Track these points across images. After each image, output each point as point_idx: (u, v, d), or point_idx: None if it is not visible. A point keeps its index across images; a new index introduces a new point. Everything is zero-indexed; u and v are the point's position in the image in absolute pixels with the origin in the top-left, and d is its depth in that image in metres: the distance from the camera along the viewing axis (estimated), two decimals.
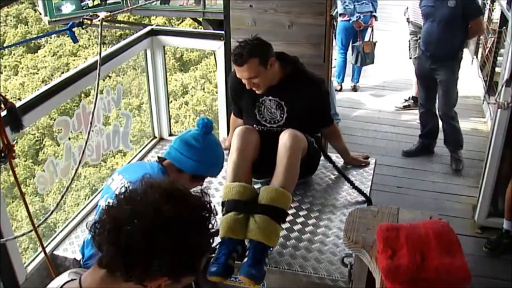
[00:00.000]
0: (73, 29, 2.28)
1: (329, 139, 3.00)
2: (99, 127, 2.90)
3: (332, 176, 2.97)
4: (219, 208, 2.47)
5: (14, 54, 15.31)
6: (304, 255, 2.37)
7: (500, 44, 5.06)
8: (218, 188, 2.82)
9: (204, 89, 12.83)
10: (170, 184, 1.12)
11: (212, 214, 1.11)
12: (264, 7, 3.16)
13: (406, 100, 5.42)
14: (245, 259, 2.22)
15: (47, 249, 2.50)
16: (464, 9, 3.89)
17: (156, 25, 3.75)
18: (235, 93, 2.81)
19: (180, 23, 14.60)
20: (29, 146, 12.01)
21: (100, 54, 2.29)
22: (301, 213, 2.66)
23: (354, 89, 5.96)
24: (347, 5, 5.42)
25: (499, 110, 3.25)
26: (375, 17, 5.61)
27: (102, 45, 2.32)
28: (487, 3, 6.08)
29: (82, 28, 2.40)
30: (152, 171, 2.04)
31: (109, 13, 2.42)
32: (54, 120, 2.92)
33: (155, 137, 3.56)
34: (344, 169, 2.96)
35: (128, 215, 1.05)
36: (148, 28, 3.34)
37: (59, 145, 10.68)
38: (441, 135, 4.47)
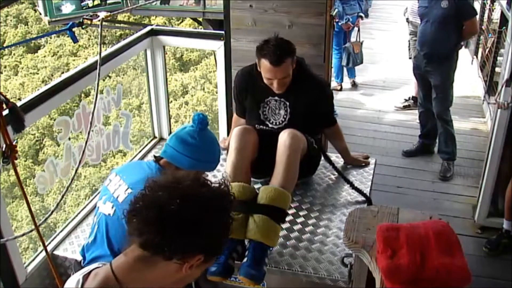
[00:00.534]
0: (73, 29, 2.28)
1: (331, 139, 3.01)
2: (99, 127, 2.90)
3: (332, 176, 2.97)
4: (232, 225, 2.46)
5: (14, 54, 15.30)
6: (304, 255, 2.37)
7: (500, 44, 5.06)
8: None
9: (204, 89, 12.83)
10: (195, 174, 1.23)
11: (232, 198, 1.25)
12: (264, 7, 3.16)
13: (406, 100, 5.43)
14: (245, 259, 2.22)
15: (47, 249, 2.51)
16: (457, 10, 3.91)
17: (156, 25, 3.75)
18: (240, 93, 2.81)
19: (180, 23, 14.60)
20: (29, 146, 12.01)
21: (100, 54, 2.29)
22: (301, 213, 2.66)
23: (354, 84, 5.99)
24: (336, 8, 5.42)
25: (499, 110, 3.26)
26: (362, 17, 5.68)
27: (102, 45, 2.32)
28: (487, 3, 6.08)
29: (82, 28, 2.40)
30: (150, 170, 2.03)
31: (109, 13, 2.42)
32: (54, 120, 2.92)
33: (155, 137, 3.56)
34: (344, 169, 2.96)
35: (168, 198, 1.14)
36: (148, 28, 3.34)
37: (59, 145, 10.68)
38: None
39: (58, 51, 15.29)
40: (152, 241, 1.14)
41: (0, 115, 1.55)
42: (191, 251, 1.17)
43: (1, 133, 1.53)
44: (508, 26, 3.67)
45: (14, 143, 1.61)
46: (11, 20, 16.08)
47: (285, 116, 2.70)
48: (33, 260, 2.44)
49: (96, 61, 2.37)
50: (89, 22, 2.35)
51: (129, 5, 7.89)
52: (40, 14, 8.84)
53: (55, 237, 2.58)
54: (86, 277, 1.21)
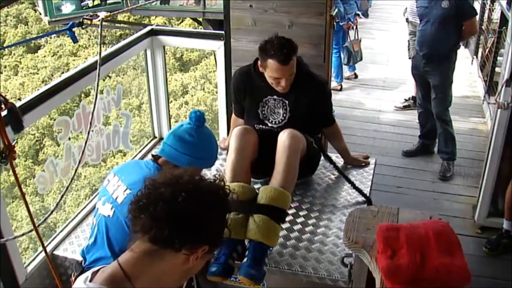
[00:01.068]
0: (73, 29, 2.28)
1: (330, 139, 3.01)
2: (99, 127, 2.91)
3: (332, 176, 2.97)
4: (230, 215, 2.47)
5: (14, 54, 15.30)
6: (304, 255, 2.37)
7: (500, 44, 5.06)
8: None
9: (204, 89, 12.83)
10: (192, 171, 1.29)
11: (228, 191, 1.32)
12: (264, 7, 3.16)
13: (406, 100, 5.43)
14: (245, 259, 2.22)
15: (47, 249, 2.51)
16: (457, 10, 3.91)
17: (156, 25, 3.75)
18: (239, 93, 2.81)
19: (180, 23, 14.60)
20: (29, 146, 12.00)
21: (100, 54, 2.29)
22: (301, 213, 2.66)
23: (356, 77, 6.07)
24: (338, 9, 5.50)
25: (499, 110, 3.25)
26: (359, 15, 5.82)
27: (102, 45, 2.32)
28: (487, 3, 6.08)
29: (82, 28, 2.40)
30: (148, 170, 2.03)
31: (109, 13, 2.42)
32: (54, 120, 2.92)
33: (155, 137, 3.56)
34: (344, 169, 2.96)
35: (172, 193, 1.20)
36: (148, 28, 3.34)
37: (59, 145, 10.68)
38: None
39: (58, 51, 15.29)
40: (162, 235, 1.18)
41: None
42: (199, 242, 1.23)
43: (0, 133, 1.53)
44: (508, 26, 3.67)
45: (13, 143, 1.61)
46: (11, 20, 16.08)
47: (284, 115, 2.70)
48: (33, 260, 2.44)
49: (96, 61, 2.37)
50: (89, 22, 2.35)
51: (129, 5, 7.89)
52: (40, 14, 8.84)
53: (55, 237, 2.58)
54: (94, 274, 1.23)
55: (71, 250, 2.51)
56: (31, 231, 1.84)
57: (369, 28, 6.05)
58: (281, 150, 2.49)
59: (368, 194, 2.78)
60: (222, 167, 3.06)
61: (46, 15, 7.89)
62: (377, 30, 7.46)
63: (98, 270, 1.24)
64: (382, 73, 6.36)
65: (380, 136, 4.92)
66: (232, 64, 3.22)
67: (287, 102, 2.68)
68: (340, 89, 5.87)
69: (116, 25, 10.67)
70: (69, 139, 2.65)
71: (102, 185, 2.11)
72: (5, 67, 14.75)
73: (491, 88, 5.14)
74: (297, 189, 2.76)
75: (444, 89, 4.16)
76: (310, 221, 2.61)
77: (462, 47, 5.59)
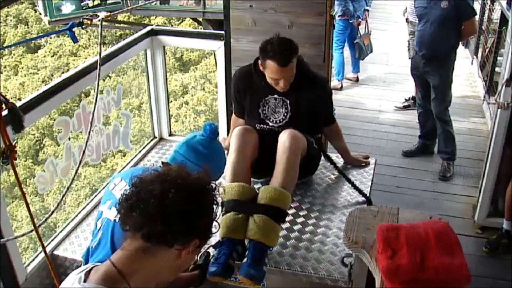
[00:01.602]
0: (73, 29, 2.28)
1: (330, 138, 3.01)
2: (99, 127, 2.91)
3: (332, 176, 2.97)
4: (218, 208, 2.47)
5: (14, 54, 15.31)
6: (304, 255, 2.37)
7: (500, 44, 5.06)
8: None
9: (204, 89, 12.83)
10: (178, 167, 1.32)
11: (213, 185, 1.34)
12: (264, 7, 3.16)
13: (406, 100, 5.43)
14: (245, 259, 2.22)
15: (47, 249, 2.50)
16: (457, 10, 3.90)
17: (156, 25, 3.75)
18: (239, 93, 2.81)
19: (180, 23, 14.60)
20: (29, 146, 12.01)
21: (100, 54, 2.29)
22: (301, 213, 2.66)
23: (357, 79, 6.08)
24: (347, 8, 5.56)
25: (499, 110, 3.25)
26: (368, 10, 5.91)
27: (102, 45, 2.32)
28: (487, 3, 6.08)
29: (82, 28, 2.40)
30: None
31: (109, 13, 2.42)
32: (54, 120, 2.92)
33: (155, 137, 3.56)
34: (344, 169, 2.95)
35: (161, 190, 1.21)
36: (148, 28, 3.34)
37: (59, 145, 10.68)
38: None
39: (58, 51, 15.29)
40: (155, 231, 1.20)
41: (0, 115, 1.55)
42: (190, 237, 1.25)
43: (1, 133, 1.53)
44: (508, 26, 3.67)
45: (14, 143, 1.61)
46: (11, 20, 16.09)
47: (285, 114, 2.70)
48: (33, 260, 2.44)
49: (96, 61, 2.37)
50: (89, 22, 2.35)
51: (129, 5, 7.89)
52: (40, 14, 8.85)
53: (55, 237, 2.58)
54: (87, 273, 1.24)
55: (71, 250, 2.51)
56: (31, 231, 1.84)
57: (369, 28, 6.05)
58: (282, 150, 2.49)
59: (368, 194, 2.78)
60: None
61: (46, 15, 7.89)
62: (377, 30, 7.45)
63: (90, 270, 1.24)
64: (382, 73, 6.35)
65: (380, 136, 4.92)
66: (232, 64, 3.22)
67: (288, 101, 2.68)
68: (341, 88, 5.87)
69: (116, 25, 10.67)
70: (69, 139, 2.65)
71: (107, 189, 2.09)
72: (5, 67, 14.75)
73: (491, 88, 5.14)
74: (297, 189, 2.76)
75: (443, 89, 4.16)
76: (310, 221, 2.61)
77: (462, 47, 5.61)
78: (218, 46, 3.27)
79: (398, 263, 1.74)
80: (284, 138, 2.51)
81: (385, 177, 4.12)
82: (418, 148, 4.58)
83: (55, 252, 2.51)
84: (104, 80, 8.44)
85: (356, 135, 4.89)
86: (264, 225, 2.26)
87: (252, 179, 2.63)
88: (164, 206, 1.20)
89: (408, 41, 5.18)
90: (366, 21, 5.85)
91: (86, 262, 2.05)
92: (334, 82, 5.80)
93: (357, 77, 6.12)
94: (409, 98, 5.40)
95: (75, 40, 2.37)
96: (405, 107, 5.39)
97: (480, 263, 3.28)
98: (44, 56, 15.20)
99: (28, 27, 15.92)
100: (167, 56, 8.64)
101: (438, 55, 4.06)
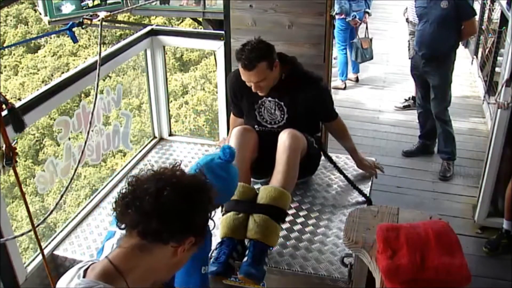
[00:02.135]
0: (73, 29, 2.28)
1: (336, 136, 2.92)
2: (99, 127, 2.91)
3: (332, 176, 2.97)
4: (218, 208, 2.47)
5: (14, 54, 15.30)
6: (304, 255, 2.37)
7: (500, 44, 5.06)
8: None
9: (204, 89, 12.83)
10: (172, 167, 1.34)
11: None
12: (264, 7, 3.16)
13: (406, 100, 5.42)
14: (245, 259, 2.22)
15: (47, 249, 2.51)
16: (457, 10, 3.90)
17: (156, 25, 3.75)
18: (235, 95, 2.81)
19: (180, 23, 14.60)
20: (29, 146, 12.00)
21: (100, 54, 2.29)
22: (301, 213, 2.67)
23: (357, 80, 6.07)
24: (343, 5, 5.54)
25: (499, 110, 3.25)
26: (368, 13, 5.80)
27: (102, 45, 2.32)
28: (487, 3, 6.07)
29: (82, 28, 2.40)
30: None
31: (109, 13, 2.42)
32: (54, 120, 2.92)
33: (155, 137, 3.56)
34: (344, 169, 2.95)
35: (157, 188, 1.23)
36: (148, 28, 3.34)
37: (59, 145, 10.68)
38: None
39: (58, 51, 15.29)
40: (151, 228, 1.21)
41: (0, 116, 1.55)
42: (186, 234, 1.26)
43: (1, 134, 1.53)
44: (508, 26, 3.67)
45: (14, 143, 1.61)
46: (11, 20, 16.09)
47: (282, 116, 2.70)
48: (33, 260, 2.44)
49: (96, 61, 2.37)
50: (89, 22, 2.35)
51: (129, 5, 7.89)
52: (40, 14, 8.85)
53: (55, 237, 2.58)
54: (85, 271, 1.24)
55: (71, 250, 2.51)
56: (30, 231, 1.84)
57: (369, 28, 6.04)
58: (282, 150, 2.49)
59: (368, 194, 2.78)
60: None
61: (46, 15, 7.90)
62: (377, 30, 7.45)
63: (88, 268, 1.25)
64: (382, 73, 6.35)
65: (380, 136, 4.91)
66: (232, 64, 3.22)
67: (282, 103, 2.67)
68: (344, 88, 5.87)
69: (116, 25, 10.67)
70: (69, 139, 2.65)
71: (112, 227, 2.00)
72: (5, 67, 14.75)
73: (491, 88, 5.14)
74: (297, 189, 2.76)
75: (443, 89, 4.16)
76: (310, 221, 2.61)
77: (462, 47, 5.60)
78: (218, 46, 3.27)
79: (398, 263, 1.74)
80: (284, 137, 2.51)
81: (385, 177, 4.10)
82: (418, 148, 4.58)
83: (55, 252, 2.52)
84: (104, 80, 8.45)
85: (356, 135, 4.88)
86: (264, 224, 2.26)
87: (252, 179, 2.63)
88: (159, 204, 1.21)
89: (408, 41, 5.18)
90: (367, 25, 5.77)
91: None
92: (337, 82, 5.80)
93: (357, 77, 6.12)
94: (409, 98, 5.40)
95: (75, 40, 2.37)
96: (405, 107, 5.39)
97: (480, 263, 3.27)
98: (44, 56, 15.20)
99: (28, 27, 15.92)
100: (167, 56, 8.64)
101: (438, 55, 4.06)
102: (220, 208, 2.42)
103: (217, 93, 3.49)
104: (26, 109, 2.26)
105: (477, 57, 6.20)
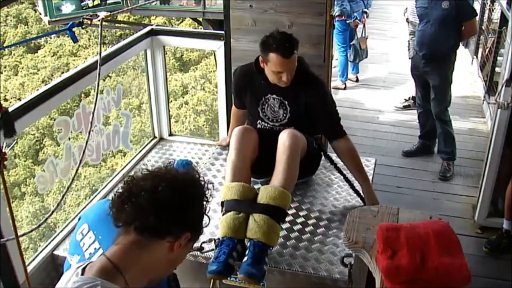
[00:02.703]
0: (73, 29, 2.28)
1: (345, 159, 2.71)
2: (99, 127, 2.91)
3: (332, 176, 2.97)
4: (219, 208, 2.48)
5: (14, 54, 15.31)
6: (304, 255, 2.37)
7: (500, 44, 5.06)
8: (218, 188, 2.82)
9: (204, 89, 12.83)
10: (167, 166, 1.38)
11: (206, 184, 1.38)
12: (264, 7, 3.16)
13: (406, 100, 5.43)
14: (245, 258, 2.22)
15: (47, 249, 2.51)
16: (457, 10, 3.90)
17: (156, 25, 3.75)
18: (240, 90, 2.82)
19: (180, 23, 14.60)
20: (29, 146, 12.01)
21: (100, 54, 2.29)
22: (301, 213, 2.66)
23: (357, 80, 6.09)
24: (344, 7, 5.55)
25: (499, 110, 3.25)
26: (366, 13, 5.83)
27: (102, 45, 2.32)
28: (487, 3, 6.08)
29: (82, 28, 2.40)
30: None
31: (109, 13, 2.42)
32: (54, 120, 2.92)
33: (155, 137, 3.56)
34: (344, 169, 2.95)
35: (152, 184, 1.26)
36: (148, 28, 3.34)
37: (59, 145, 10.68)
38: None
39: (58, 51, 15.30)
40: (147, 223, 1.23)
41: None
42: (181, 229, 1.28)
43: None
44: (508, 26, 3.67)
45: (13, 143, 1.60)
46: (11, 20, 16.09)
47: (284, 115, 2.70)
48: (33, 260, 2.44)
49: (96, 61, 2.37)
50: (89, 22, 2.35)
51: (129, 5, 7.90)
52: (40, 14, 8.85)
53: (55, 237, 2.58)
54: (83, 269, 1.24)
55: None
56: (30, 231, 1.84)
57: (369, 28, 6.04)
58: (282, 150, 2.49)
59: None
60: (223, 167, 3.06)
61: (46, 15, 7.90)
62: (377, 30, 7.46)
63: (86, 266, 1.25)
64: (382, 73, 6.35)
65: (380, 136, 4.91)
66: (232, 64, 3.22)
67: (286, 102, 2.68)
68: (344, 88, 5.88)
69: (116, 25, 10.67)
70: (69, 139, 2.65)
71: (74, 238, 1.73)
72: (5, 67, 14.75)
73: (491, 88, 5.14)
74: (297, 189, 2.76)
75: (443, 89, 4.16)
76: (310, 221, 2.61)
77: (462, 47, 5.59)
78: (218, 46, 3.27)
79: (398, 263, 1.73)
80: (283, 137, 2.51)
81: (385, 177, 4.12)
82: (418, 148, 4.58)
83: (55, 252, 2.52)
84: (104, 80, 8.44)
85: (356, 135, 4.88)
86: (264, 224, 2.26)
87: (252, 178, 2.63)
88: (155, 199, 1.24)
89: (408, 41, 5.18)
90: (364, 25, 5.80)
91: None
92: (337, 82, 5.81)
93: (357, 77, 6.12)
94: (409, 98, 5.40)
95: (75, 40, 2.37)
96: (405, 107, 5.39)
97: (480, 263, 3.27)
98: (44, 56, 15.21)
99: (28, 27, 15.93)
100: (167, 56, 8.64)
101: (438, 55, 4.06)
102: (220, 208, 2.43)
103: (217, 93, 3.49)
104: (26, 109, 2.26)
105: (477, 57, 6.20)
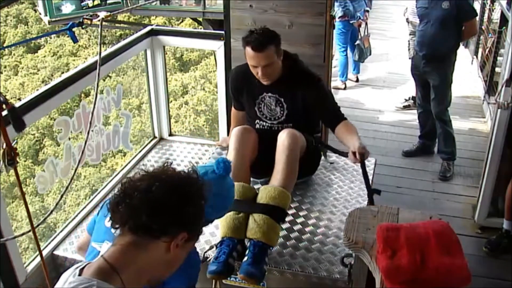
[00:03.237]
0: (73, 29, 2.28)
1: (342, 134, 2.60)
2: (99, 127, 2.91)
3: (332, 176, 2.97)
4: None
5: (14, 54, 15.30)
6: (304, 255, 2.37)
7: (500, 44, 5.06)
8: None
9: (204, 89, 12.83)
10: (164, 165, 1.39)
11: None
12: (264, 7, 3.16)
13: (406, 100, 5.43)
14: (245, 258, 2.22)
15: (47, 249, 2.51)
16: (458, 11, 3.90)
17: (156, 25, 3.75)
18: (237, 91, 2.83)
19: (180, 23, 14.60)
20: (29, 146, 12.00)
21: (100, 54, 2.29)
22: (301, 213, 2.66)
23: (357, 80, 6.09)
24: (347, 8, 5.55)
25: (499, 110, 3.25)
26: (368, 11, 5.87)
27: (102, 45, 2.32)
28: (487, 3, 6.08)
29: (82, 28, 2.40)
30: None
31: (109, 13, 2.42)
32: (54, 120, 2.92)
33: (155, 137, 3.56)
34: (344, 169, 2.96)
35: (147, 184, 1.26)
36: (148, 28, 3.34)
37: (59, 145, 10.68)
38: None
39: (58, 51, 15.30)
40: (140, 222, 1.23)
41: (0, 116, 1.55)
42: (176, 229, 1.27)
43: (2, 134, 1.53)
44: (508, 26, 3.67)
45: (14, 143, 1.61)
46: (11, 20, 16.09)
47: (282, 113, 2.70)
48: (33, 260, 2.44)
49: (96, 61, 2.36)
50: (89, 22, 2.35)
51: (129, 5, 7.90)
52: (40, 14, 8.85)
53: (55, 237, 2.58)
54: (81, 270, 1.25)
55: (71, 250, 2.51)
56: (29, 231, 1.84)
57: (369, 28, 6.05)
58: (281, 150, 2.49)
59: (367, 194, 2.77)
60: None
61: (46, 15, 7.90)
62: (377, 30, 7.45)
63: (84, 267, 1.26)
64: (382, 73, 6.35)
65: (380, 136, 4.91)
66: (232, 64, 3.22)
67: (282, 99, 2.67)
68: (344, 88, 5.88)
69: (116, 25, 10.68)
70: (69, 139, 2.65)
71: (103, 224, 1.82)
72: (5, 67, 14.75)
73: (491, 88, 5.14)
74: (297, 189, 2.76)
75: (443, 89, 4.16)
76: (310, 221, 2.61)
77: (462, 47, 5.59)
78: (218, 46, 3.27)
79: (398, 263, 1.73)
80: (283, 137, 2.51)
81: (385, 177, 4.11)
82: (418, 148, 4.58)
83: (55, 252, 2.52)
84: (104, 80, 8.45)
85: None
86: (264, 224, 2.26)
87: (251, 178, 2.63)
88: (148, 198, 1.24)
89: (408, 41, 5.19)
90: (366, 23, 5.82)
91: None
92: (337, 82, 5.80)
93: (357, 77, 6.13)
94: (409, 98, 5.40)
95: (75, 40, 2.36)
96: (405, 107, 5.39)
97: (480, 263, 3.27)
98: (44, 56, 15.20)
99: (28, 27, 15.92)
100: (167, 56, 8.64)
101: (438, 56, 4.06)
102: None
103: (217, 93, 3.49)
104: (26, 109, 2.26)
105: (477, 57, 6.20)
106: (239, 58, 3.15)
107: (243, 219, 2.30)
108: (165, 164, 1.38)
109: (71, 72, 2.72)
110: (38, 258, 2.44)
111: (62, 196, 2.03)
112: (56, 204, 1.99)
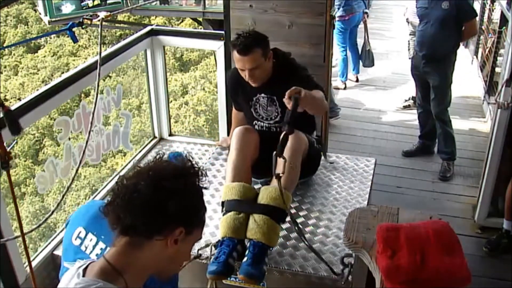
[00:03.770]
0: (73, 29, 2.28)
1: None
2: (99, 127, 2.91)
3: (332, 176, 2.97)
4: (219, 208, 2.48)
5: (14, 54, 15.30)
6: (304, 255, 2.37)
7: (500, 44, 5.06)
8: (218, 188, 2.83)
9: (204, 89, 12.83)
10: (158, 161, 1.34)
11: (199, 171, 1.31)
12: (264, 7, 3.16)
13: (406, 100, 5.42)
14: (245, 258, 2.22)
15: (47, 249, 2.51)
16: (458, 11, 3.90)
17: (156, 25, 3.75)
18: (234, 91, 2.85)
19: (180, 23, 14.60)
20: (29, 146, 12.00)
21: (100, 54, 2.29)
22: (301, 213, 2.66)
23: (357, 80, 6.09)
24: (353, 6, 5.54)
25: (499, 110, 3.25)
26: (367, 13, 5.82)
27: (102, 45, 2.32)
28: (487, 3, 6.08)
29: (82, 28, 2.41)
30: None
31: (109, 13, 2.42)
32: (54, 120, 2.92)
33: (155, 137, 3.56)
34: (344, 169, 2.96)
35: (134, 183, 1.24)
36: (148, 28, 3.34)
37: (59, 145, 10.68)
38: None
39: (58, 51, 15.29)
40: (126, 223, 1.22)
41: None
42: (167, 225, 1.23)
43: None
44: (508, 26, 3.67)
45: (14, 143, 1.60)
46: (11, 20, 16.08)
47: (276, 111, 2.70)
48: (33, 260, 2.44)
49: (96, 61, 2.37)
50: (89, 22, 2.35)
51: (129, 5, 7.89)
52: (40, 14, 8.84)
53: (55, 237, 2.58)
54: (84, 270, 1.25)
55: None
56: (30, 231, 1.84)
57: (369, 28, 6.04)
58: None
59: (367, 194, 2.78)
60: (223, 167, 3.06)
61: (46, 15, 7.89)
62: (377, 30, 7.45)
63: (87, 267, 1.26)
64: (382, 73, 6.35)
65: (380, 136, 4.91)
66: (232, 64, 3.21)
67: (274, 97, 2.67)
68: (344, 88, 5.88)
69: (116, 25, 10.67)
70: (69, 139, 2.65)
71: (70, 243, 1.79)
72: (5, 67, 14.75)
73: (491, 88, 5.14)
74: (297, 189, 2.76)
75: (443, 89, 4.16)
76: (310, 221, 2.61)
77: (462, 47, 5.59)
78: (218, 46, 3.27)
79: (398, 263, 1.73)
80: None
81: (385, 177, 4.12)
82: (418, 148, 4.58)
83: (55, 252, 2.52)
84: (104, 80, 8.43)
85: (356, 135, 4.89)
86: (264, 224, 2.26)
87: (252, 179, 2.63)
88: (132, 199, 1.22)
89: (408, 41, 5.19)
90: (366, 25, 5.78)
91: None
92: (337, 82, 5.80)
93: (357, 77, 6.13)
94: (409, 98, 5.40)
95: (75, 40, 2.37)
96: (405, 107, 5.39)
97: (480, 263, 3.27)
98: (44, 56, 15.20)
99: (28, 27, 15.92)
100: (167, 56, 8.63)
101: (438, 56, 4.06)
102: (220, 208, 2.43)
103: (217, 93, 3.49)
104: (26, 109, 2.26)
105: (477, 57, 6.20)
106: None
107: (243, 219, 2.30)
108: (157, 157, 1.34)
109: (71, 72, 2.72)
110: (38, 258, 2.45)
111: (63, 197, 2.03)
112: (57, 205, 2.00)
